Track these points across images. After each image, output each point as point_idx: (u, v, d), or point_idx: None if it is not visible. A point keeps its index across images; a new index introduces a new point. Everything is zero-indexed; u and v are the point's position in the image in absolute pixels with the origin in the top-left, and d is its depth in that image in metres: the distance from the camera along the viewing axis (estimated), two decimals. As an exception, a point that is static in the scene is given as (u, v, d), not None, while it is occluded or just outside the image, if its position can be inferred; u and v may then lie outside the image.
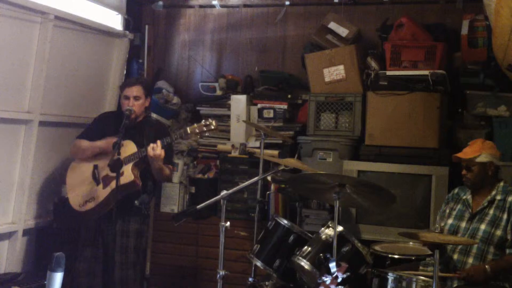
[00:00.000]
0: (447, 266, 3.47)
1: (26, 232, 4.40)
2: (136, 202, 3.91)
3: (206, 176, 4.99)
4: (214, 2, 5.37)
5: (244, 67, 5.37)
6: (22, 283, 3.95)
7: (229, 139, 5.01)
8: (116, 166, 3.62)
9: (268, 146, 4.64)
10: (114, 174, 3.75)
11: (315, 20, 5.07)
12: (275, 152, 4.70)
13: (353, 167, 4.40)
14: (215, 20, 5.48)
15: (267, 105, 4.96)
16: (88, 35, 4.78)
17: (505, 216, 3.41)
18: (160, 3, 5.41)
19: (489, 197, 3.48)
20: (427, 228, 4.10)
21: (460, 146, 3.89)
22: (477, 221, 3.47)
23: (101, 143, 3.93)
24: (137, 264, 3.94)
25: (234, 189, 3.62)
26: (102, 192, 3.86)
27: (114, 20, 5.18)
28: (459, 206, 3.60)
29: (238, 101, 4.99)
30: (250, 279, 3.91)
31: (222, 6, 5.41)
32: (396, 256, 3.67)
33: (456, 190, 3.70)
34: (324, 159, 4.61)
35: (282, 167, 3.83)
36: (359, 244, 3.36)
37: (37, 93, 4.29)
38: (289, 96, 4.97)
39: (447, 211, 3.66)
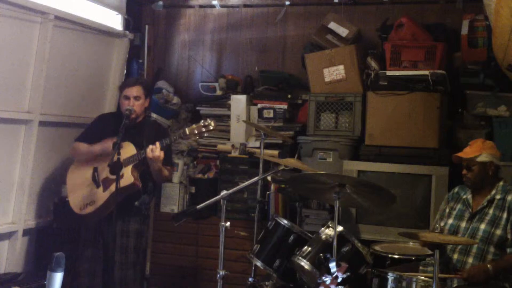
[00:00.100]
0: (447, 266, 3.47)
1: (26, 232, 4.40)
2: (136, 203, 3.91)
3: (206, 176, 4.99)
4: (214, 2, 5.37)
5: (244, 67, 5.37)
6: (22, 283, 3.95)
7: (229, 139, 5.01)
8: (116, 167, 3.62)
9: (268, 146, 4.64)
10: (113, 177, 3.75)
11: (315, 20, 5.07)
12: (275, 152, 4.70)
13: (353, 167, 4.41)
14: (215, 20, 5.48)
15: (267, 105, 4.96)
16: (88, 35, 4.78)
17: (504, 215, 3.41)
18: (160, 3, 5.41)
19: (488, 197, 3.48)
20: (427, 228, 4.10)
21: (460, 146, 3.89)
22: (477, 221, 3.47)
23: (97, 148, 3.93)
24: (137, 264, 3.94)
25: (234, 189, 3.62)
26: (102, 195, 3.86)
27: (114, 20, 5.18)
28: (459, 206, 3.61)
29: (238, 101, 4.99)
30: (250, 279, 3.91)
31: (222, 6, 5.41)
32: (396, 256, 3.67)
33: (456, 189, 3.70)
34: (324, 159, 4.61)
35: (282, 167, 3.83)
36: (359, 244, 3.36)
37: (37, 93, 4.29)
38: (289, 96, 4.97)
39: (447, 210, 3.66)
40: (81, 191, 3.96)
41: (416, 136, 4.37)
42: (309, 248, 3.35)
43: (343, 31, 4.73)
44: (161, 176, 3.95)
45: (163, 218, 4.97)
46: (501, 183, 3.51)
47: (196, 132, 3.76)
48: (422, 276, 3.23)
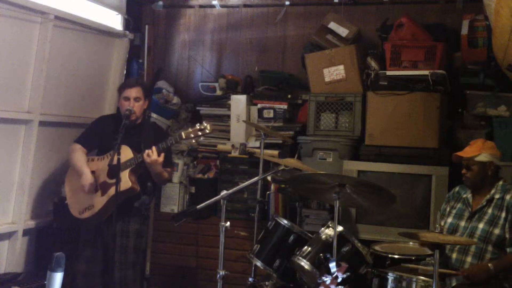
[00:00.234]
0: (446, 265, 3.48)
1: (26, 232, 4.40)
2: (135, 203, 3.91)
3: (206, 176, 4.99)
4: (214, 2, 5.37)
5: (244, 67, 5.37)
6: (22, 283, 3.95)
7: (229, 139, 5.01)
8: (115, 169, 3.62)
9: (268, 146, 4.64)
10: (111, 181, 3.76)
11: (315, 20, 5.07)
12: (275, 152, 4.70)
13: (353, 167, 4.40)
14: (215, 20, 5.48)
15: (267, 105, 4.96)
16: (88, 35, 4.78)
17: (503, 215, 3.41)
18: (160, 3, 5.41)
19: (488, 196, 3.49)
20: (427, 228, 4.11)
21: (460, 146, 3.89)
22: (476, 220, 3.48)
23: (79, 172, 3.92)
24: (136, 264, 3.94)
25: (234, 189, 3.62)
26: (100, 200, 3.86)
27: (114, 20, 5.18)
28: (459, 205, 3.61)
29: (238, 101, 4.99)
30: (250, 279, 3.91)
31: (222, 6, 5.41)
32: (396, 256, 3.67)
33: (457, 189, 3.71)
34: (324, 159, 4.60)
35: (282, 167, 3.83)
36: (359, 244, 3.37)
37: (37, 93, 4.29)
38: (289, 96, 4.97)
39: (447, 209, 3.67)
40: (79, 196, 3.96)
41: (416, 136, 4.36)
42: (309, 248, 3.35)
43: (343, 31, 4.73)
44: (161, 179, 3.95)
45: (163, 218, 4.97)
46: (500, 182, 3.52)
47: (192, 136, 3.76)
48: (423, 271, 3.23)
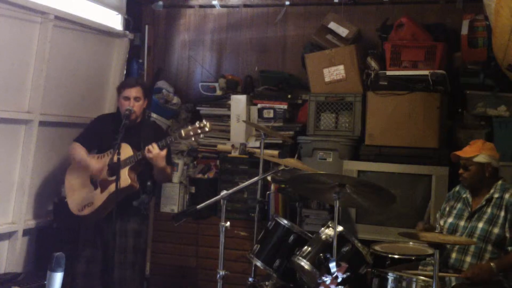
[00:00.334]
0: (445, 265, 3.48)
1: (26, 232, 4.40)
2: (134, 203, 3.91)
3: (206, 176, 4.99)
4: (214, 2, 5.37)
5: (244, 67, 5.37)
6: (22, 283, 3.95)
7: (229, 139, 5.01)
8: (116, 168, 3.62)
9: (268, 146, 4.64)
10: (111, 178, 3.77)
11: (315, 20, 5.07)
12: (275, 152, 4.69)
13: (353, 167, 4.40)
14: (215, 20, 5.48)
15: (267, 105, 4.96)
16: (88, 35, 4.78)
17: (502, 214, 3.42)
18: (160, 3, 5.41)
19: (487, 196, 3.49)
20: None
21: (460, 146, 3.89)
22: (475, 220, 3.48)
23: (85, 164, 3.93)
24: (135, 264, 3.94)
25: (234, 189, 3.62)
26: (100, 197, 3.86)
27: (114, 20, 5.18)
28: (459, 205, 3.62)
29: (238, 101, 4.99)
30: (250, 279, 3.91)
31: (222, 6, 5.41)
32: (396, 256, 3.67)
33: (457, 188, 3.71)
34: (324, 159, 4.60)
35: (282, 167, 3.83)
36: (359, 244, 3.36)
37: (37, 93, 4.29)
38: (289, 96, 4.97)
39: (447, 209, 3.68)
40: (79, 193, 3.96)
41: (416, 136, 4.36)
42: (309, 248, 3.35)
43: (343, 31, 4.73)
44: (165, 174, 3.95)
45: (163, 218, 4.97)
46: (499, 182, 3.52)
47: (192, 134, 3.76)
48: (422, 277, 3.23)
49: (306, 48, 4.91)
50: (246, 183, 3.83)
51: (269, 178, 4.54)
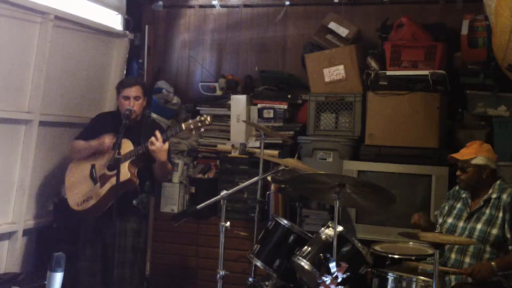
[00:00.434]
0: (445, 266, 3.48)
1: (26, 232, 4.40)
2: (134, 202, 3.91)
3: (206, 176, 4.99)
4: (214, 2, 5.37)
5: (244, 67, 5.37)
6: (22, 283, 3.95)
7: (229, 139, 5.01)
8: (116, 165, 3.63)
9: (268, 146, 4.64)
10: (111, 173, 3.78)
11: (315, 20, 5.06)
12: (275, 152, 4.70)
13: (353, 167, 4.40)
14: (215, 20, 5.48)
15: (267, 105, 4.96)
16: (88, 35, 4.78)
17: (500, 215, 3.42)
18: (160, 3, 5.41)
19: (486, 196, 3.49)
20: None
21: (460, 146, 3.88)
22: (474, 221, 3.48)
23: (94, 143, 3.94)
24: (135, 263, 3.94)
25: (234, 189, 3.62)
26: (99, 191, 3.87)
27: (114, 20, 5.18)
28: (459, 205, 3.62)
29: (238, 101, 4.99)
30: (250, 279, 3.91)
31: (222, 6, 5.41)
32: (396, 256, 3.67)
33: (457, 187, 3.71)
34: (324, 159, 4.60)
35: (282, 167, 3.83)
36: (359, 244, 3.36)
37: (37, 93, 4.29)
38: (289, 96, 4.97)
39: (446, 208, 3.68)
40: (79, 188, 3.97)
41: (416, 136, 4.36)
42: (309, 248, 3.35)
43: (343, 31, 4.73)
44: (165, 170, 3.94)
45: (163, 218, 4.97)
46: (498, 182, 3.52)
47: (192, 127, 3.77)
48: (422, 277, 3.23)
49: (306, 48, 4.91)
50: (246, 183, 3.83)
51: (269, 178, 4.53)
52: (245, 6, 5.37)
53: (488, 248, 3.39)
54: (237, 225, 4.62)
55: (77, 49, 4.70)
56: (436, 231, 3.36)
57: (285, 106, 4.91)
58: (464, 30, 4.47)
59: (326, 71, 4.72)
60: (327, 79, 4.73)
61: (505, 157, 4.09)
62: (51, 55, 4.33)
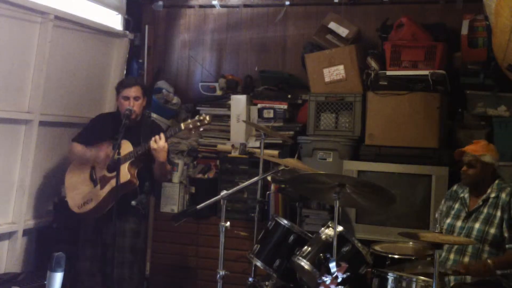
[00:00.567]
0: (444, 266, 3.47)
1: (26, 232, 4.40)
2: (133, 202, 3.91)
3: (206, 176, 4.99)
4: (214, 2, 5.37)
5: (244, 67, 5.37)
6: (22, 283, 3.95)
7: (229, 139, 5.01)
8: (116, 167, 3.62)
9: (268, 146, 4.64)
10: (110, 175, 3.78)
11: (315, 20, 5.06)
12: (275, 152, 4.70)
13: (353, 167, 4.40)
14: (215, 20, 5.48)
15: (267, 105, 4.96)
16: (88, 35, 4.78)
17: (498, 214, 3.42)
18: (160, 3, 5.41)
19: (484, 196, 3.50)
20: (427, 228, 4.10)
21: (460, 146, 3.88)
22: (472, 220, 3.48)
23: (90, 153, 3.94)
24: (134, 263, 3.94)
25: (234, 189, 3.62)
26: (100, 193, 3.86)
27: (114, 20, 5.18)
28: (457, 205, 3.62)
29: (238, 101, 4.99)
30: (250, 279, 3.91)
31: (222, 6, 5.41)
32: (396, 256, 3.67)
33: (454, 188, 3.71)
34: (324, 159, 4.60)
35: (282, 167, 3.83)
36: (359, 244, 3.36)
37: (37, 93, 4.29)
38: (289, 96, 4.97)
39: (444, 209, 3.68)
40: (79, 190, 3.97)
41: (416, 136, 4.36)
42: (309, 248, 3.35)
43: (343, 31, 4.73)
44: (164, 170, 3.95)
45: (163, 218, 4.97)
46: (496, 181, 3.52)
47: (191, 126, 3.77)
48: (422, 277, 3.23)
49: (306, 48, 4.90)
50: (246, 183, 3.83)
51: (269, 178, 4.53)
52: (245, 6, 5.37)
53: (486, 248, 3.39)
54: (237, 225, 4.62)
55: (77, 49, 4.70)
56: (436, 230, 3.35)
57: (285, 106, 4.91)
58: (464, 30, 4.47)
59: (326, 71, 4.72)
60: (327, 79, 4.73)
61: (505, 157, 4.09)
62: (51, 55, 4.33)
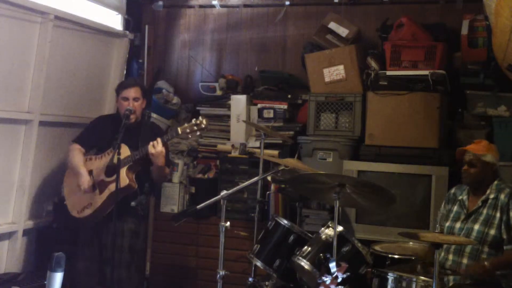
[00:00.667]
0: (443, 267, 3.48)
1: (26, 232, 4.40)
2: (132, 203, 3.91)
3: (206, 176, 4.99)
4: (214, 2, 5.37)
5: (244, 67, 5.37)
6: (22, 283, 3.95)
7: (229, 139, 5.01)
8: (115, 168, 3.62)
9: (268, 146, 4.64)
10: (109, 179, 3.78)
11: (315, 20, 5.06)
12: (275, 152, 4.70)
13: (353, 167, 4.40)
14: (215, 20, 5.48)
15: (267, 105, 4.96)
16: (88, 35, 4.78)
17: (498, 215, 3.41)
18: (160, 3, 5.41)
19: (483, 197, 3.49)
20: (427, 228, 4.10)
21: (460, 146, 3.89)
22: (471, 221, 3.48)
23: (79, 171, 3.91)
24: (132, 263, 3.94)
25: (234, 189, 3.62)
26: (99, 198, 3.86)
27: (114, 20, 5.18)
28: (455, 208, 3.61)
29: (238, 101, 4.99)
30: (250, 279, 3.91)
31: (222, 6, 5.41)
32: (396, 256, 3.67)
33: (453, 190, 3.71)
34: (324, 159, 4.60)
35: (282, 167, 3.83)
36: (359, 244, 3.36)
37: (37, 93, 4.29)
38: (289, 96, 4.97)
39: (444, 213, 3.68)
40: (78, 195, 3.96)
41: (416, 136, 4.36)
42: (309, 248, 3.35)
43: (343, 31, 4.73)
44: (163, 173, 3.95)
45: (163, 218, 4.97)
46: (495, 182, 3.51)
47: (188, 131, 3.77)
48: (422, 277, 3.23)
49: (306, 48, 4.90)
50: (246, 183, 3.83)
51: (269, 178, 4.53)
52: (245, 6, 5.37)
53: (486, 249, 3.39)
54: (237, 225, 4.62)
55: (77, 49, 4.70)
56: (436, 230, 3.36)
57: (285, 106, 4.91)
58: (464, 30, 4.47)
59: (326, 71, 4.72)
60: (327, 79, 4.73)
61: (505, 157, 4.09)
62: (51, 55, 4.33)
